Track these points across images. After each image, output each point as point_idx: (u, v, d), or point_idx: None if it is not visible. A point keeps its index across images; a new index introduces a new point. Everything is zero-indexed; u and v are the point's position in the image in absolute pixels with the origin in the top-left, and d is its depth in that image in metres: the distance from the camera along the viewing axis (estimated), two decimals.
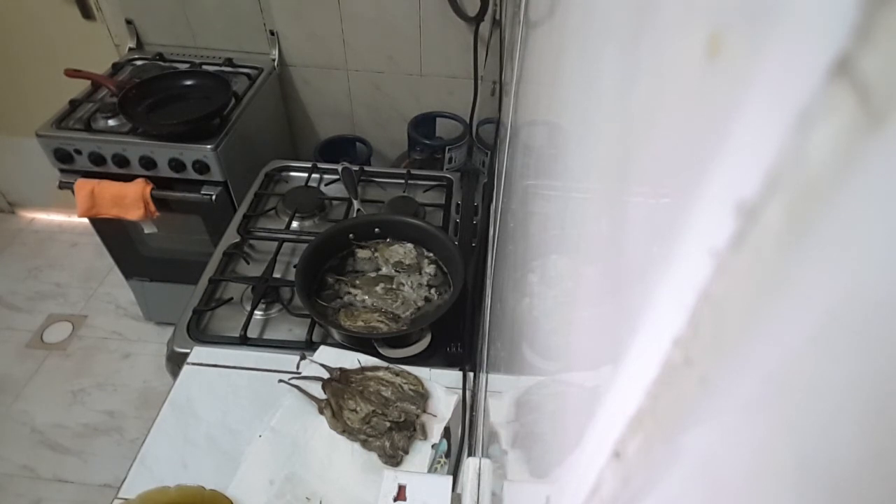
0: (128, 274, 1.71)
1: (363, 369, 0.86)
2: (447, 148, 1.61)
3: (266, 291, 1.01)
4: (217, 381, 0.87)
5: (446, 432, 0.82)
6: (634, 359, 0.15)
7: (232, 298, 1.03)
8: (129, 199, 1.39)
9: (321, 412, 0.82)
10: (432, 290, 1.02)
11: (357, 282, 1.02)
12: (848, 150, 0.08)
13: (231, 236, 1.16)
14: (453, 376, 0.88)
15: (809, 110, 0.08)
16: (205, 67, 1.58)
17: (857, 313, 0.08)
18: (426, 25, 1.57)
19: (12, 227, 2.28)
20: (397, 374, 0.85)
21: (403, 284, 1.02)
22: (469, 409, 0.83)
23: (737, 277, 0.10)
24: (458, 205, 1.27)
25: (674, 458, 0.13)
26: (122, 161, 1.37)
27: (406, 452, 0.78)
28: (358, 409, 0.81)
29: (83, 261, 2.14)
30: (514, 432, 0.44)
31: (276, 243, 1.12)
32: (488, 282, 0.92)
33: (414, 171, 1.36)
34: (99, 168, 1.39)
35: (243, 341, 0.94)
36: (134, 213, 1.41)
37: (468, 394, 0.84)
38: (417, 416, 0.81)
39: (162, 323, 1.90)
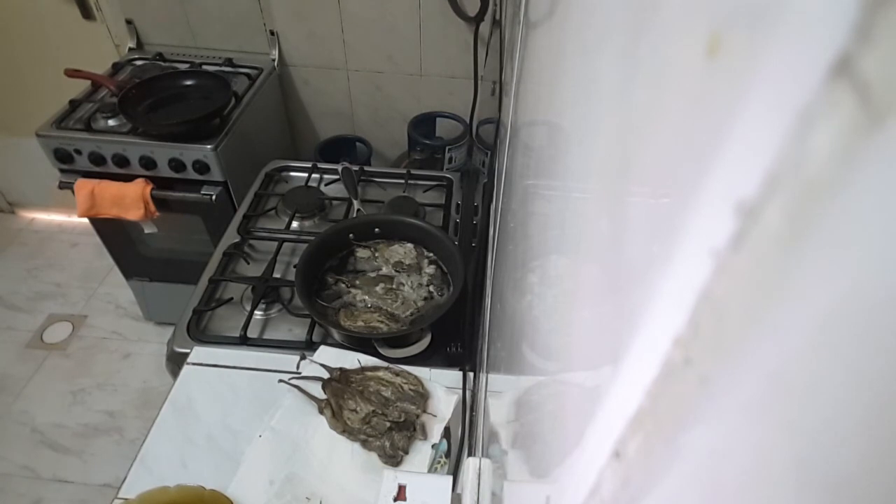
0: (128, 274, 1.71)
1: (363, 369, 0.86)
2: (447, 148, 1.61)
3: (266, 291, 1.01)
4: (217, 381, 0.87)
5: (446, 432, 0.82)
6: (634, 359, 0.15)
7: (232, 298, 1.03)
8: (129, 199, 1.39)
9: (321, 412, 0.82)
10: (432, 290, 1.02)
11: (357, 282, 1.02)
12: (848, 150, 0.08)
13: (231, 236, 1.16)
14: (453, 376, 0.88)
15: (809, 110, 0.08)
16: (205, 67, 1.58)
17: (857, 313, 0.08)
18: (426, 25, 1.57)
19: (12, 227, 2.28)
20: (397, 374, 0.85)
21: (403, 284, 1.02)
22: (469, 409, 0.83)
23: (737, 277, 0.10)
24: (458, 205, 1.27)
25: (674, 458, 0.13)
26: (122, 161, 1.37)
27: (406, 452, 0.78)
28: (358, 409, 0.81)
29: (83, 261, 2.14)
30: (514, 432, 0.44)
31: (276, 243, 1.12)
32: (488, 282, 0.92)
33: (414, 171, 1.36)
34: (99, 168, 1.39)
35: (243, 341, 0.94)
36: (134, 213, 1.41)
37: (468, 394, 0.84)
38: (417, 416, 0.81)
39: (162, 323, 1.90)
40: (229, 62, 1.63)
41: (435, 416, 0.82)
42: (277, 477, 0.75)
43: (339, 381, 0.84)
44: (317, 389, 0.84)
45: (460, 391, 0.85)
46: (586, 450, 0.19)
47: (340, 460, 0.78)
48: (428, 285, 1.02)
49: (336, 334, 0.94)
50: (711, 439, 0.12)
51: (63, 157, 1.38)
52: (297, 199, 1.24)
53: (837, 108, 0.08)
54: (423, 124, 1.70)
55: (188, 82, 1.50)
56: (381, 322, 0.94)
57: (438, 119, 1.73)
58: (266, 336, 0.97)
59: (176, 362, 0.92)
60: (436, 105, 1.73)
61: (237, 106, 1.47)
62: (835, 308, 0.08)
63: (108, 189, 1.39)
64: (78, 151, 1.37)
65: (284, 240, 1.13)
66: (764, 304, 0.10)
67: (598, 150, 0.25)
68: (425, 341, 0.92)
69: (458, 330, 0.95)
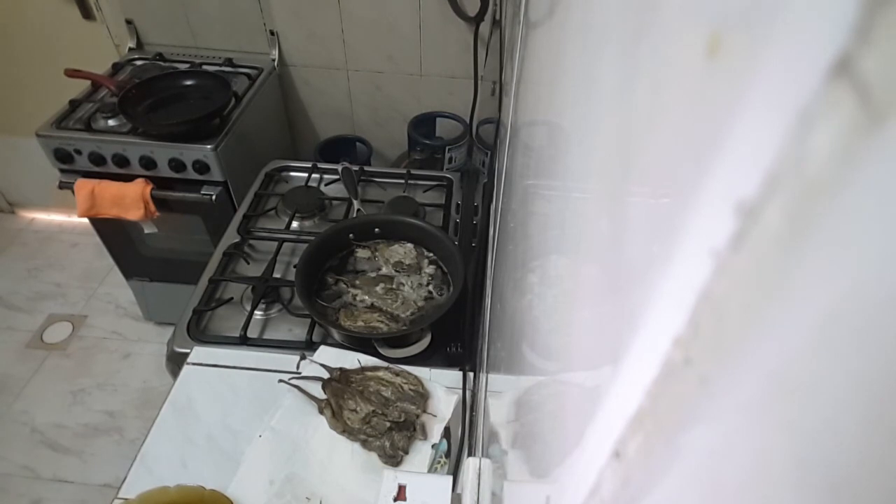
0: (128, 274, 1.71)
1: (363, 369, 0.86)
2: (447, 148, 1.61)
3: (266, 291, 1.01)
4: (217, 381, 0.87)
5: (446, 432, 0.82)
6: (634, 359, 0.15)
7: (232, 298, 1.03)
8: (129, 199, 1.39)
9: (321, 412, 0.82)
10: (432, 290, 1.02)
11: (357, 282, 1.02)
12: (848, 150, 0.08)
13: (231, 236, 1.16)
14: (453, 376, 0.88)
15: (809, 110, 0.08)
16: (205, 67, 1.58)
17: (857, 313, 0.08)
18: (426, 25, 1.57)
19: (12, 227, 2.28)
20: (397, 374, 0.85)
21: (403, 284, 1.02)
22: (469, 409, 0.83)
23: (737, 277, 0.10)
24: (458, 205, 1.27)
25: (674, 458, 0.13)
26: (122, 161, 1.37)
27: (406, 452, 0.78)
28: (358, 409, 0.81)
29: (83, 261, 2.14)
30: (514, 432, 0.44)
31: (276, 243, 1.12)
32: (488, 282, 0.92)
33: (414, 171, 1.36)
34: (99, 168, 1.39)
35: (243, 341, 0.94)
36: (134, 213, 1.41)
37: (468, 394, 0.84)
38: (417, 416, 0.81)
39: (162, 323, 1.90)
40: (229, 62, 1.63)
41: (435, 416, 0.82)
42: (277, 477, 0.75)
43: (339, 381, 0.84)
44: (317, 389, 0.84)
45: (460, 391, 0.85)
46: (586, 450, 0.19)
47: (340, 460, 0.78)
48: (428, 285, 1.02)
49: (336, 334, 0.94)
50: (711, 439, 0.12)
51: (63, 157, 1.38)
52: (297, 199, 1.24)
53: (837, 108, 0.08)
54: (423, 124, 1.70)
55: (188, 82, 1.50)
56: (381, 322, 0.94)
57: (438, 119, 1.73)
58: (266, 336, 0.97)
59: (176, 362, 0.92)
60: (436, 105, 1.73)
61: (237, 106, 1.47)
62: (835, 308, 0.08)
63: (108, 189, 1.39)
64: (78, 151, 1.37)
65: (284, 240, 1.13)
66: (764, 304, 0.10)
67: (598, 150, 0.25)
68: (425, 341, 0.92)
69: (458, 330, 0.95)
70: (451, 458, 0.81)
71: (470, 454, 0.77)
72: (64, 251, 2.19)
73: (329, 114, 1.82)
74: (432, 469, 0.78)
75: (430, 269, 1.05)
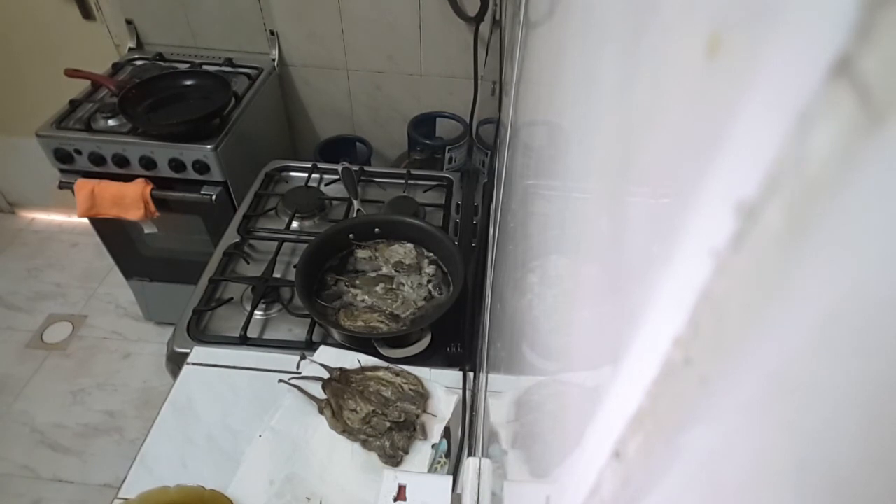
0: (128, 274, 1.71)
1: (363, 369, 0.86)
2: (447, 148, 1.61)
3: (266, 291, 1.01)
4: (217, 381, 0.87)
5: (446, 432, 0.82)
6: (634, 359, 0.15)
7: (232, 298, 1.03)
8: (129, 199, 1.39)
9: (321, 412, 0.82)
10: (432, 290, 1.02)
11: (357, 282, 1.02)
12: (848, 150, 0.08)
13: (231, 236, 1.16)
14: (453, 376, 0.88)
15: (809, 110, 0.08)
16: (205, 67, 1.58)
17: (857, 313, 0.08)
18: (426, 25, 1.57)
19: (12, 227, 2.28)
20: (397, 374, 0.85)
21: (403, 284, 1.02)
22: (469, 409, 0.83)
23: (737, 277, 0.10)
24: (458, 205, 1.27)
25: (674, 458, 0.13)
26: (122, 161, 1.37)
27: (406, 452, 0.78)
28: (358, 409, 0.81)
29: (83, 261, 2.14)
30: (514, 432, 0.44)
31: (276, 243, 1.12)
32: (488, 282, 0.92)
33: (414, 171, 1.36)
34: (99, 168, 1.39)
35: (243, 341, 0.94)
36: (134, 213, 1.41)
37: (468, 394, 0.84)
38: (417, 416, 0.81)
39: (162, 323, 1.90)
40: (229, 62, 1.63)
41: (435, 416, 0.82)
42: (277, 477, 0.75)
43: (339, 381, 0.84)
44: (317, 389, 0.84)
45: (460, 391, 0.85)
46: (586, 450, 0.19)
47: (340, 460, 0.78)
48: (428, 285, 1.02)
49: (336, 334, 0.94)
50: (711, 439, 0.12)
51: (63, 157, 1.38)
52: (297, 199, 1.24)
53: (837, 108, 0.08)
54: (423, 124, 1.70)
55: (188, 82, 1.50)
56: (381, 322, 0.94)
57: (438, 119, 1.73)
58: (266, 336, 0.97)
59: (176, 362, 0.92)
60: (436, 105, 1.73)
61: (237, 106, 1.47)
62: (835, 308, 0.08)
63: (108, 189, 1.39)
64: (78, 151, 1.37)
65: (284, 240, 1.13)
66: (764, 304, 0.10)
67: (598, 150, 0.25)
68: (425, 341, 0.92)
69: (458, 330, 0.95)
70: (451, 458, 0.81)
71: (470, 454, 0.77)
72: (64, 251, 2.19)
73: (329, 114, 1.82)
74: (432, 469, 0.78)
75: (430, 269, 1.05)
